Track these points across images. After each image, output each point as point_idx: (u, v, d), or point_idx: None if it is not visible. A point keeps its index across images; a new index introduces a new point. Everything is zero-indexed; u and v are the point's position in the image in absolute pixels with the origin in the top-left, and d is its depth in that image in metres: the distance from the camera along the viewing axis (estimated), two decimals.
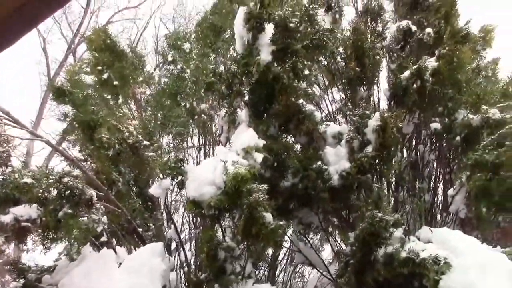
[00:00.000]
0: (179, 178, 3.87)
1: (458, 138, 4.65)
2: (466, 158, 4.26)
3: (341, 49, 5.15)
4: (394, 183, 4.93)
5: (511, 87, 4.86)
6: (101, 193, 3.64)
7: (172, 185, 4.23)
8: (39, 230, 3.12)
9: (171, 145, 5.58)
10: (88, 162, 5.18)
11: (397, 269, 3.35)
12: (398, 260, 3.36)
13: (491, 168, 4.02)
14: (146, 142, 3.65)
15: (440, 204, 5.08)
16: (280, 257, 5.86)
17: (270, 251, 5.09)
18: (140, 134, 3.80)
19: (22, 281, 3.42)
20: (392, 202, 4.82)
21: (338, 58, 5.16)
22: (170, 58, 5.98)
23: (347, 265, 3.71)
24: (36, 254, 4.28)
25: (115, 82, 5.31)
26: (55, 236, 3.15)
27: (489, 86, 5.14)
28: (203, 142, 5.95)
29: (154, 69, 7.08)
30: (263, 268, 5.34)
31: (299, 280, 6.51)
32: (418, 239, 3.68)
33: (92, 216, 3.08)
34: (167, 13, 14.49)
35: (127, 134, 3.55)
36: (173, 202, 5.33)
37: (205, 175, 3.70)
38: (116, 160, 3.92)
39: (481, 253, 3.41)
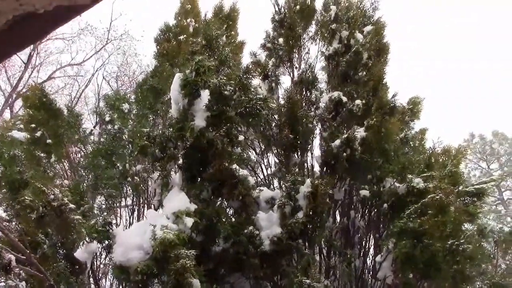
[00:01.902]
0: (107, 242, 3.78)
1: (385, 205, 4.83)
2: (392, 225, 4.41)
3: (276, 116, 5.33)
4: (325, 248, 5.01)
5: (433, 157, 5.12)
6: (23, 257, 3.48)
7: (99, 249, 4.12)
8: None
9: (103, 206, 5.45)
10: (13, 223, 4.99)
11: None
12: None
13: (415, 236, 4.18)
14: (72, 206, 3.56)
15: (370, 270, 5.18)
16: None
17: None
18: (67, 196, 3.71)
19: None
20: (324, 267, 4.88)
21: (273, 125, 5.32)
22: (107, 118, 5.95)
23: None
24: None
25: (48, 141, 5.22)
26: None
27: (415, 156, 5.41)
28: (136, 203, 5.86)
29: (94, 128, 6.99)
30: None
31: None
32: None
33: (8, 282, 2.93)
34: (111, 72, 14.48)
35: (52, 196, 3.46)
36: (101, 266, 5.15)
37: (133, 240, 3.64)
38: (40, 222, 3.78)
39: None
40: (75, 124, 5.70)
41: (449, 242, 4.20)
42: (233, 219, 4.50)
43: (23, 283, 3.16)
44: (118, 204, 5.76)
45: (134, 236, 3.65)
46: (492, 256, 5.41)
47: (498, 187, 16.02)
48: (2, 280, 3.01)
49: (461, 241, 4.22)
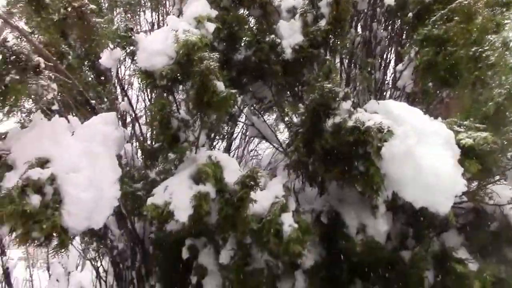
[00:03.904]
0: (130, 48, 3.81)
1: (410, 14, 4.68)
2: (416, 33, 4.32)
3: None
4: (346, 59, 5.01)
5: None
6: (50, 63, 3.55)
7: (123, 56, 4.17)
8: None
9: (123, 19, 5.40)
10: (36, 36, 4.99)
11: (343, 137, 3.50)
12: (345, 129, 3.50)
13: (439, 43, 4.12)
14: (92, 6, 3.51)
15: (390, 81, 5.24)
16: (235, 133, 6.02)
17: (225, 125, 5.23)
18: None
19: None
20: (344, 77, 4.93)
21: None
22: None
23: (296, 134, 3.86)
24: None
25: None
26: (4, 102, 3.10)
27: None
28: (156, 18, 5.80)
29: None
30: (217, 141, 5.50)
31: (253, 157, 6.75)
32: (365, 110, 3.81)
33: (40, 82, 3.03)
34: None
35: None
36: (127, 77, 5.29)
37: (156, 45, 3.64)
38: (62, 27, 3.78)
39: (422, 122, 3.60)
40: None
41: (472, 50, 4.15)
42: (254, 28, 4.44)
43: (54, 85, 3.25)
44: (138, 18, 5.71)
45: (157, 42, 3.65)
46: None
47: None
48: (33, 82, 3.10)
49: (485, 48, 4.16)
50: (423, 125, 3.52)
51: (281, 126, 6.13)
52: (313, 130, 3.70)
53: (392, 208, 3.91)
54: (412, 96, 4.60)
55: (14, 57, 3.04)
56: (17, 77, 3.02)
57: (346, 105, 3.70)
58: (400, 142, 3.35)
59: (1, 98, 3.09)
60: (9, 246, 6.70)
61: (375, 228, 3.84)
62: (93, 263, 6.09)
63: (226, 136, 5.60)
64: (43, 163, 3.10)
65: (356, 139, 3.46)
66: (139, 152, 4.99)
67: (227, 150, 5.84)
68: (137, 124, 4.85)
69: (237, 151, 6.11)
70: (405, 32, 5.12)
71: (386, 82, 5.31)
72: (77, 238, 5.67)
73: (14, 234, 2.97)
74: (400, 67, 4.60)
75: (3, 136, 3.42)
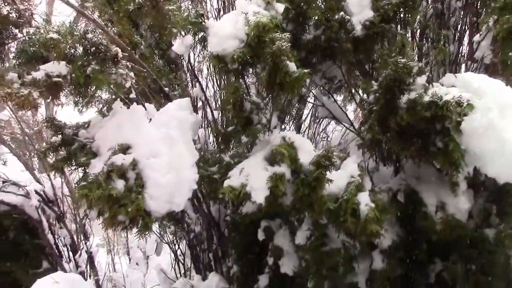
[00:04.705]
0: (201, 34, 3.86)
1: None
2: (494, 1, 4.11)
3: None
4: (418, 32, 4.84)
5: None
6: (125, 53, 3.67)
7: (194, 43, 4.25)
8: (71, 86, 3.23)
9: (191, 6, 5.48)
10: (109, 28, 5.17)
11: (420, 113, 3.40)
12: (421, 105, 3.39)
13: None
14: None
15: (465, 54, 5.02)
16: (305, 115, 5.99)
17: (295, 106, 5.22)
18: None
19: (60, 136, 3.62)
20: (416, 51, 4.77)
21: None
22: None
23: (370, 112, 3.79)
24: (71, 115, 4.50)
25: None
26: (86, 91, 3.26)
27: None
28: (222, 3, 5.85)
29: None
30: (288, 123, 5.50)
31: (323, 138, 6.69)
32: (442, 85, 3.68)
33: (119, 71, 3.15)
34: None
35: None
36: (197, 64, 5.38)
37: (227, 29, 3.67)
38: (136, 17, 3.91)
39: (504, 94, 3.43)
40: None
41: None
42: (322, 6, 4.37)
43: (132, 73, 3.37)
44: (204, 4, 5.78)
45: (227, 26, 3.68)
46: None
47: None
48: (113, 72, 3.23)
49: None
50: (505, 97, 3.36)
51: (349, 107, 6.05)
52: (388, 107, 3.62)
53: (473, 185, 3.77)
54: (491, 67, 4.38)
55: (94, 48, 3.17)
56: (98, 67, 3.15)
57: (421, 80, 3.60)
58: (481, 115, 3.22)
59: (83, 88, 3.23)
60: (91, 231, 7.07)
61: (456, 206, 3.71)
62: (171, 246, 6.30)
63: (296, 118, 5.58)
64: (125, 149, 3.24)
65: (433, 114, 3.35)
66: (211, 137, 5.09)
67: (297, 132, 5.83)
68: (208, 110, 4.94)
69: (307, 133, 6.09)
70: (480, 1, 4.88)
71: (461, 54, 5.09)
72: (156, 223, 5.89)
73: (101, 218, 3.13)
74: (477, 37, 4.39)
75: (86, 126, 3.60)
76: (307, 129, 6.11)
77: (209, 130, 4.98)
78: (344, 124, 5.22)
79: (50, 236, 6.02)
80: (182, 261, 6.25)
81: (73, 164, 3.60)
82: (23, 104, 2.88)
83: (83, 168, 3.54)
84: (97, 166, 3.17)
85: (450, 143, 3.34)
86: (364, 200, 3.38)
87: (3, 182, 5.68)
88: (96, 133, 3.45)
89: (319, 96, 5.20)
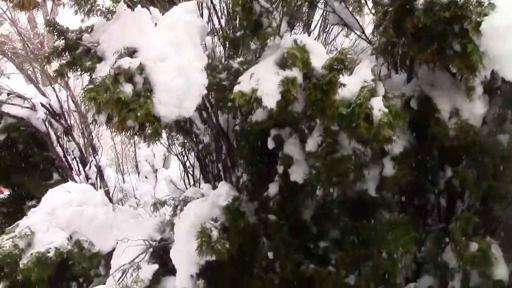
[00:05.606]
0: None
1: None
2: None
3: None
4: None
5: None
6: None
7: None
8: None
9: None
10: None
11: (438, 14, 3.24)
12: (439, 5, 3.23)
13: None
14: None
15: None
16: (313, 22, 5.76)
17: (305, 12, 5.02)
18: None
19: (63, 41, 3.50)
20: None
21: None
22: None
23: (385, 14, 3.62)
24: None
25: None
26: None
27: None
28: None
29: None
30: (298, 30, 5.29)
31: (332, 49, 6.49)
32: None
33: None
34: None
35: None
36: None
37: None
38: None
39: None
40: None
41: None
42: None
43: None
44: None
45: None
46: None
47: None
48: None
49: None
50: None
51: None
52: (403, 8, 3.46)
53: (489, 89, 3.68)
54: None
55: None
56: None
57: None
58: (503, 15, 3.07)
59: None
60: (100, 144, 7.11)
61: (470, 111, 3.65)
62: (179, 158, 6.34)
63: (305, 26, 5.37)
64: (131, 53, 3.12)
65: (452, 15, 3.21)
66: (219, 46, 4.94)
67: None
68: (215, 17, 4.75)
69: (316, 41, 5.88)
70: None
71: None
72: (164, 136, 5.88)
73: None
74: None
75: (89, 30, 3.46)
76: (316, 38, 5.89)
77: (216, 39, 4.81)
78: (355, 31, 5.03)
79: (59, 149, 6.05)
80: (191, 173, 6.30)
81: (78, 69, 3.51)
82: (23, 4, 2.73)
83: (88, 73, 3.45)
84: (103, 70, 3.07)
85: (468, 45, 3.22)
86: (378, 105, 3.30)
87: (8, 94, 5.61)
88: (100, 37, 3.32)
89: (330, 1, 4.96)
